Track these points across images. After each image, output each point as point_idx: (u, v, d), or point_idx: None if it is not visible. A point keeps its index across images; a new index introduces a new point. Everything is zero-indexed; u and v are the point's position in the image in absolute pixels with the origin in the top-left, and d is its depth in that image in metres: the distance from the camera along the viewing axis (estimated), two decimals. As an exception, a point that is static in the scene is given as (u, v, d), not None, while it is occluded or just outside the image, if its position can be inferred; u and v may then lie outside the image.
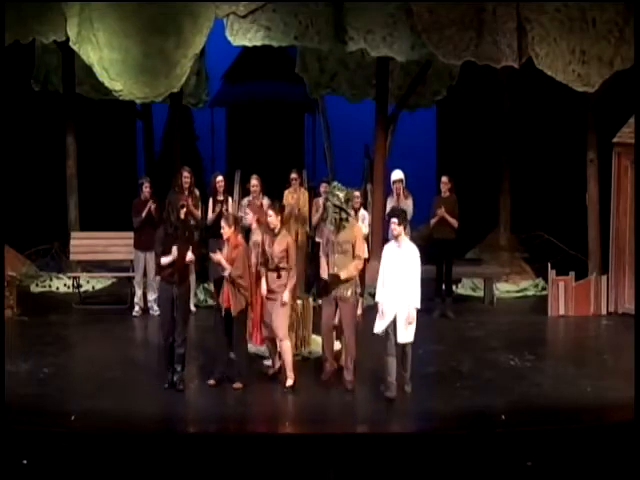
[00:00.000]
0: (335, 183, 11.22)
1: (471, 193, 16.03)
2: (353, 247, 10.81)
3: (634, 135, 13.73)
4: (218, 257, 10.74)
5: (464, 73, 16.57)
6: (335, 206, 10.85)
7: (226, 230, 10.80)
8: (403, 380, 10.72)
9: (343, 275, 10.72)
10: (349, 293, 10.84)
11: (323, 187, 14.32)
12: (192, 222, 12.50)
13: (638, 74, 13.42)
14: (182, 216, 10.85)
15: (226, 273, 10.70)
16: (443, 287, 14.35)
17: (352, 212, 11.49)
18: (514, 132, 16.75)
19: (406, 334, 10.52)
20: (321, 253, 11.17)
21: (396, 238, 10.56)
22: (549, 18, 13.83)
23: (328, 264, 10.91)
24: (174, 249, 10.63)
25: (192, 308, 13.13)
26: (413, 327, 10.52)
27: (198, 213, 14.26)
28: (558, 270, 14.40)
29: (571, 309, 14.35)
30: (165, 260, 10.65)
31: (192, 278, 12.38)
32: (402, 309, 10.43)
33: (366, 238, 14.02)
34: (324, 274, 11.00)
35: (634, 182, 13.84)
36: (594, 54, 13.87)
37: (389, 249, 10.66)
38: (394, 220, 10.55)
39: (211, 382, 11.00)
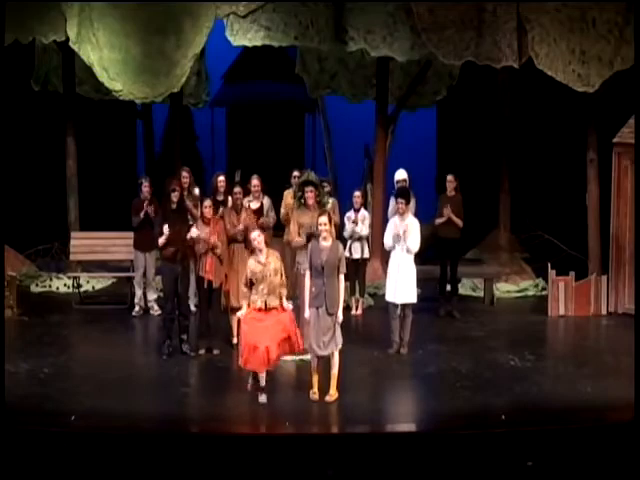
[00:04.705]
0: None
1: (471, 193, 16.01)
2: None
3: (634, 135, 13.73)
4: (210, 235, 11.74)
5: (464, 73, 16.57)
6: (310, 183, 11.65)
7: (210, 211, 11.96)
8: (401, 343, 12.03)
9: None
10: None
11: (295, 173, 13.19)
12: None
13: (638, 74, 13.42)
14: (175, 199, 11.87)
15: (218, 251, 11.81)
16: (448, 287, 14.32)
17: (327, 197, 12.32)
18: (514, 132, 16.73)
19: (403, 295, 11.82)
20: (293, 238, 11.84)
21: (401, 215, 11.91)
22: (549, 18, 13.85)
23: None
24: (165, 227, 11.60)
25: (192, 308, 13.12)
26: (412, 290, 11.87)
27: (197, 212, 14.22)
28: (558, 270, 14.38)
29: (571, 309, 14.34)
30: (160, 240, 11.64)
31: (192, 278, 12.39)
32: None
33: (366, 238, 14.03)
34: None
35: (634, 182, 13.83)
36: (594, 54, 13.89)
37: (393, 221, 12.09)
38: (400, 200, 11.89)
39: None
